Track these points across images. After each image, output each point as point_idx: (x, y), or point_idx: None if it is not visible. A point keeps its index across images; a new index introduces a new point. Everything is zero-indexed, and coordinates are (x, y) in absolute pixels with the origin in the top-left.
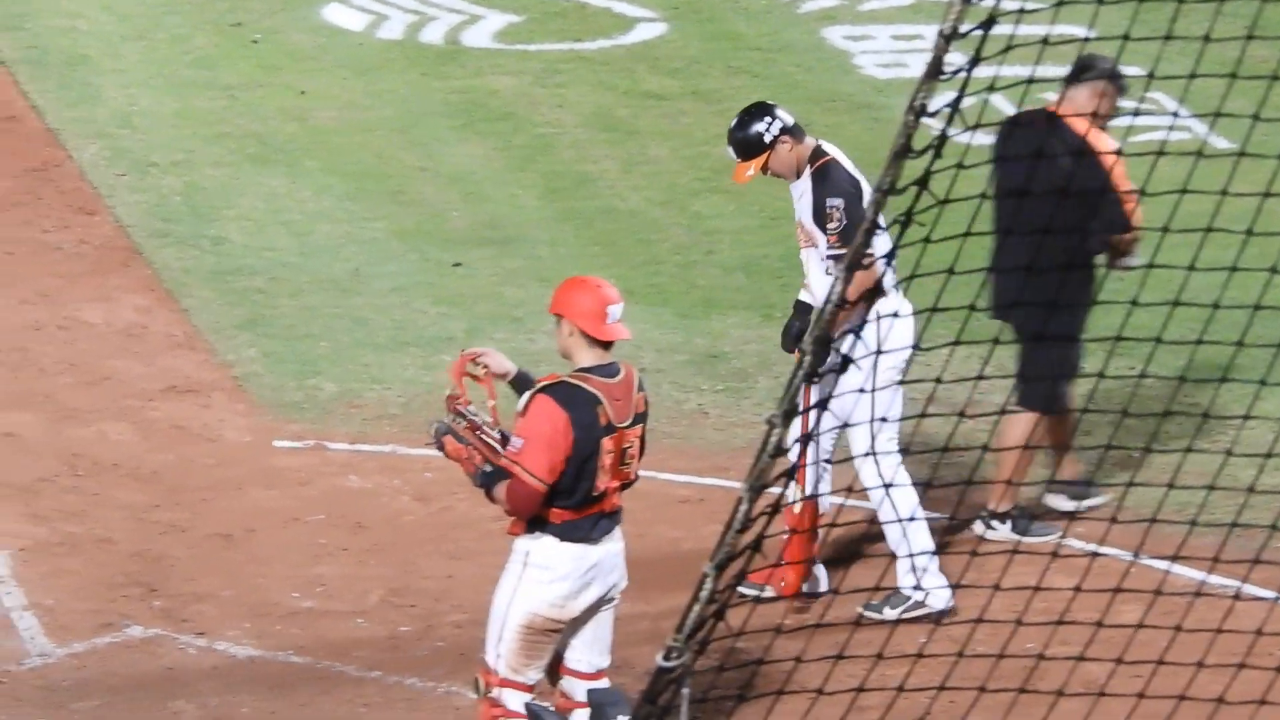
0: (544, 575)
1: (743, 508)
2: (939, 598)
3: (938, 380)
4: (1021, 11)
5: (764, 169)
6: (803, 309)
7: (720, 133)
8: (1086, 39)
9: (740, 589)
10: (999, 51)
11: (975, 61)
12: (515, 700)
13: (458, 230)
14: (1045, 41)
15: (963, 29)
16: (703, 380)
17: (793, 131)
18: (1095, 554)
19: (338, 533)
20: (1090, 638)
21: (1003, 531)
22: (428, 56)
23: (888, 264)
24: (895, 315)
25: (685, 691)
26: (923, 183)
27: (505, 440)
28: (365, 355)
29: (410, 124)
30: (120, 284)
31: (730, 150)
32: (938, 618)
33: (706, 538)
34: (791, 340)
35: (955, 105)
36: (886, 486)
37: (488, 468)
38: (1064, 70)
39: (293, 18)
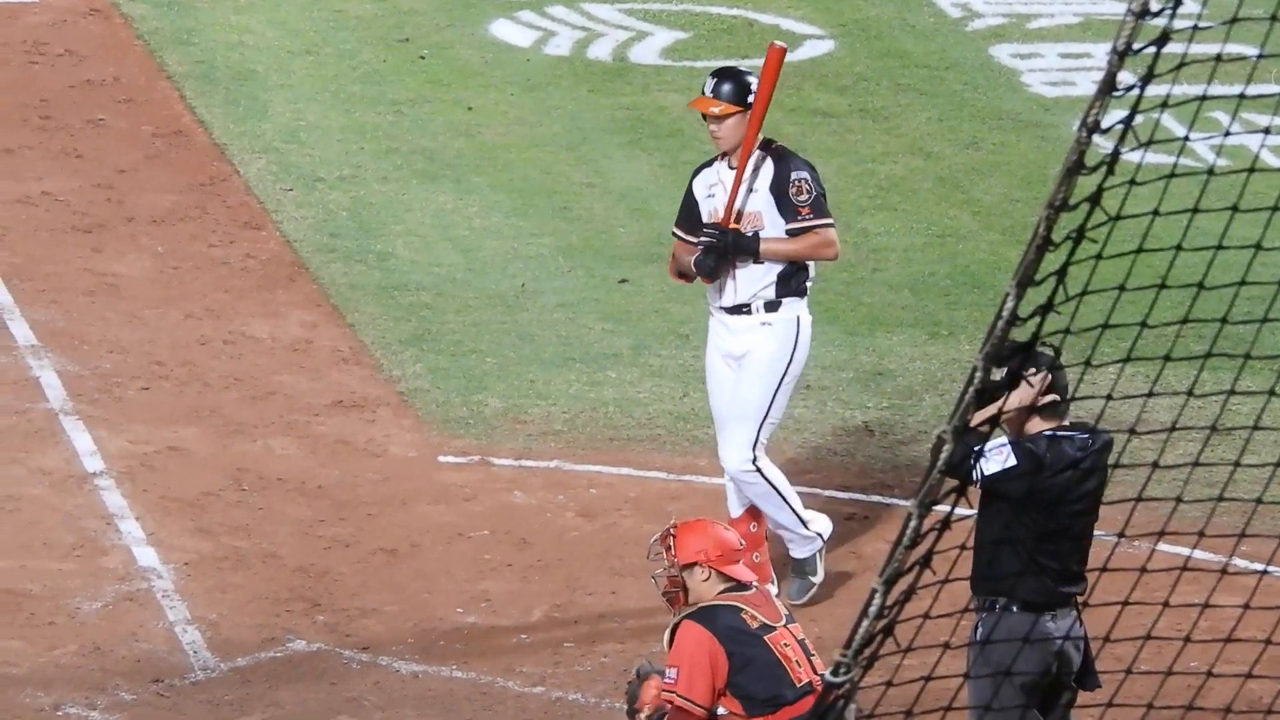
0: None
1: (912, 524)
2: (824, 524)
3: (1108, 397)
4: (1195, 28)
5: (717, 120)
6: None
7: (888, 150)
8: (1260, 56)
9: None
10: (1172, 69)
11: (1148, 78)
12: None
13: (625, 246)
14: (1218, 59)
15: (1136, 46)
16: (868, 397)
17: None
18: (1264, 573)
19: (502, 548)
20: (1257, 656)
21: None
22: (595, 73)
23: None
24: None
25: (852, 707)
26: (1095, 199)
27: None
28: (531, 371)
29: (578, 140)
30: (286, 299)
31: (715, 84)
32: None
33: (871, 555)
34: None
35: (1128, 122)
36: (759, 470)
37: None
38: (1234, 89)
39: (461, 34)
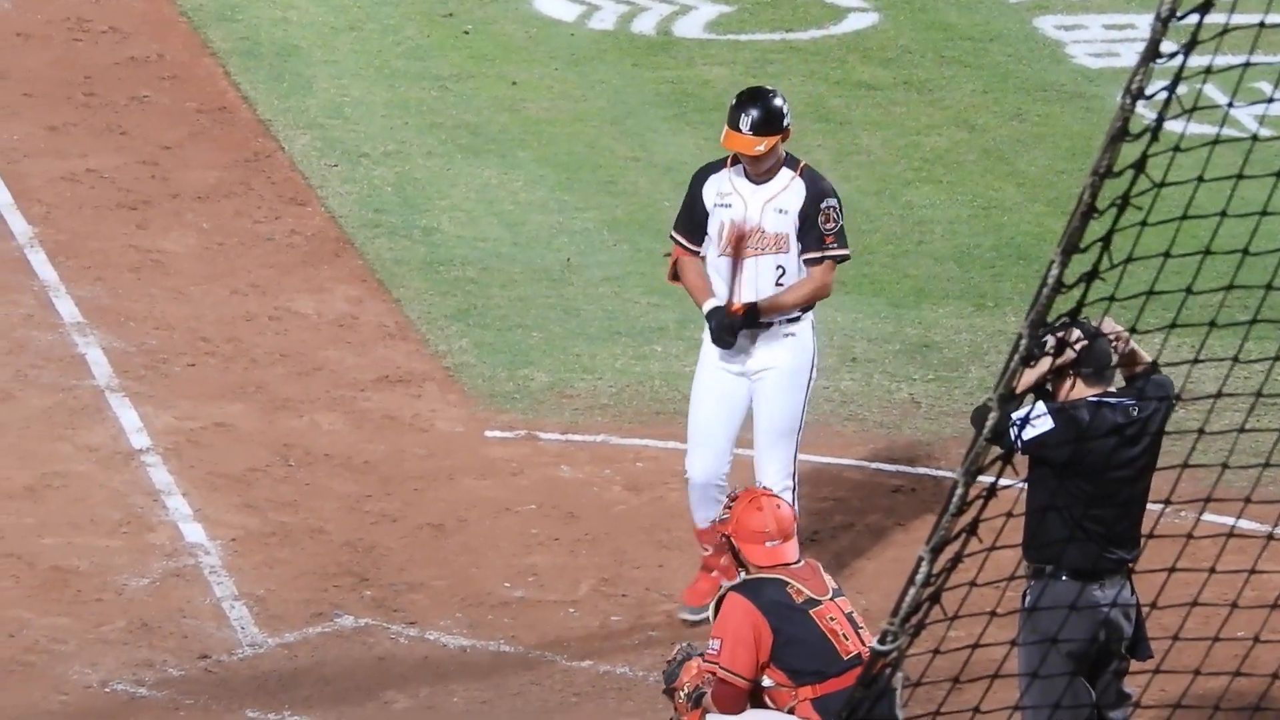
0: None
1: (958, 491)
2: None
3: (1153, 364)
4: None
5: (755, 155)
6: (717, 311)
7: (933, 123)
8: None
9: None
10: (1214, 36)
11: (1191, 46)
12: None
13: (669, 220)
14: (1261, 26)
15: (1179, 14)
16: (914, 370)
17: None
18: None
19: (549, 523)
20: None
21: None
22: (639, 47)
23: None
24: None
25: (899, 675)
26: (1139, 166)
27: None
28: (577, 346)
29: (622, 115)
30: (332, 274)
31: (748, 115)
32: None
33: (917, 527)
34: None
35: (1172, 89)
36: (794, 491)
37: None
38: (1277, 58)
39: (505, 8)
